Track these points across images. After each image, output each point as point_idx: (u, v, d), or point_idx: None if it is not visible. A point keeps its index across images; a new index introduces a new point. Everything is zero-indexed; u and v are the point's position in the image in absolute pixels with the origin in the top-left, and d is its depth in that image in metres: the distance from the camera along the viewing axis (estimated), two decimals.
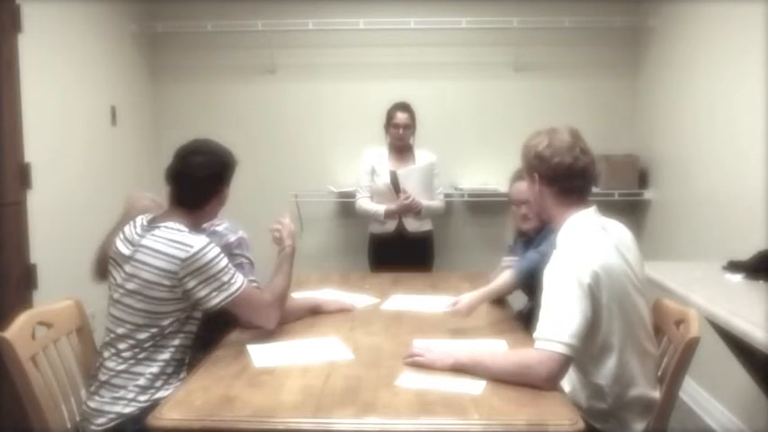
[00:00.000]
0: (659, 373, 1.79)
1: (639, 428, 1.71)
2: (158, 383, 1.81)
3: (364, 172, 3.55)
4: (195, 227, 1.92)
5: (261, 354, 1.88)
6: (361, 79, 4.08)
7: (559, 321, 1.57)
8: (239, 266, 2.18)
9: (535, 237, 2.39)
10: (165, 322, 1.82)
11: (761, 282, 1.96)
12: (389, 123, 3.47)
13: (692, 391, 3.18)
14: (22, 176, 2.70)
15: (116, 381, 1.79)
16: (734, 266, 2.10)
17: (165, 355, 1.83)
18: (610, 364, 1.68)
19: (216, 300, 1.82)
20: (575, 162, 1.71)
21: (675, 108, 3.50)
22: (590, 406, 1.74)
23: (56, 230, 2.92)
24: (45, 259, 2.80)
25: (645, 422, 1.72)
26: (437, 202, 3.56)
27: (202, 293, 1.81)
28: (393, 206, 3.43)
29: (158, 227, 1.84)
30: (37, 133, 2.79)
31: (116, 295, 1.85)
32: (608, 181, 3.82)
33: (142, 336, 1.81)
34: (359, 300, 2.52)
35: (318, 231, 4.19)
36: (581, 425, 1.41)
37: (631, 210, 3.77)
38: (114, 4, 3.61)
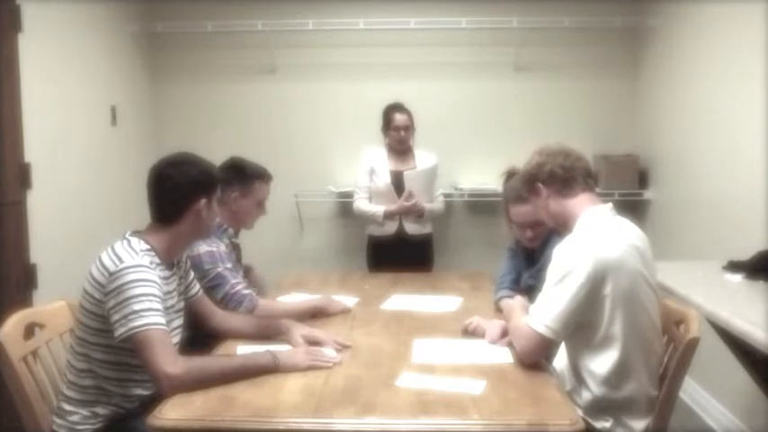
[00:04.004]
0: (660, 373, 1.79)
1: (640, 428, 1.71)
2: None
3: (363, 172, 3.50)
4: (173, 248, 1.80)
5: None
6: (361, 79, 4.07)
7: (549, 304, 1.67)
8: (218, 276, 2.20)
9: (536, 249, 2.36)
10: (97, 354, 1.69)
11: (761, 282, 1.96)
12: (389, 126, 3.44)
13: (692, 391, 3.18)
14: (22, 176, 2.70)
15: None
16: (734, 266, 2.10)
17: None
18: (611, 358, 1.68)
19: (120, 330, 1.58)
20: (566, 158, 1.85)
21: (675, 108, 3.50)
22: (590, 406, 1.74)
23: (56, 230, 2.91)
24: (45, 259, 2.80)
25: (645, 422, 1.72)
26: (438, 204, 3.55)
27: (114, 318, 1.60)
28: (393, 207, 3.39)
29: (123, 239, 1.73)
30: (37, 133, 2.79)
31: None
32: (608, 181, 3.81)
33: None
34: (347, 301, 2.47)
35: (318, 231, 4.19)
36: (581, 425, 1.42)
37: (631, 210, 3.76)
38: (114, 4, 3.61)
